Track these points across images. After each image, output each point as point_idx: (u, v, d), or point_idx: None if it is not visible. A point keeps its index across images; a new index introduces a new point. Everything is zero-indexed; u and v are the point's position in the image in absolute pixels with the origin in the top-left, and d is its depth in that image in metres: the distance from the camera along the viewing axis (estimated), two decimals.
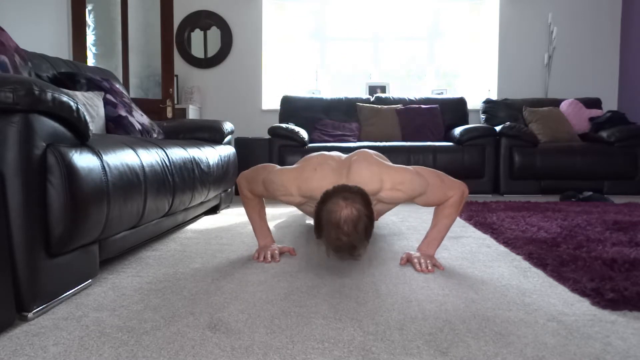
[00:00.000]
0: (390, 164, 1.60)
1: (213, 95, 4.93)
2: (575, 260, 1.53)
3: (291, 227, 2.33)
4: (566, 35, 4.84)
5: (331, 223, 1.30)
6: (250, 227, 2.33)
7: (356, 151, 1.65)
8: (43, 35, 3.85)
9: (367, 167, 1.52)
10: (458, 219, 2.57)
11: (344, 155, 1.67)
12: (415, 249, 1.70)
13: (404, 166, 1.58)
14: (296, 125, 4.13)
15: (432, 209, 2.87)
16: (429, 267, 1.50)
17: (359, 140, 4.21)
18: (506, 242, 1.88)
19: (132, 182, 1.45)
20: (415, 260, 1.55)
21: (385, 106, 4.38)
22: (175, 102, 4.51)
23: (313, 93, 4.77)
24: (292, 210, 2.94)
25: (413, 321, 1.07)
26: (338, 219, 1.30)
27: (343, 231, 1.30)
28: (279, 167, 1.66)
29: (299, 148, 3.77)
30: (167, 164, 1.80)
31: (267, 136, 4.01)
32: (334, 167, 1.56)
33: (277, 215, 2.74)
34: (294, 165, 1.64)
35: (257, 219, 1.75)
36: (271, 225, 2.35)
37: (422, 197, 1.56)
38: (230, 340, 0.97)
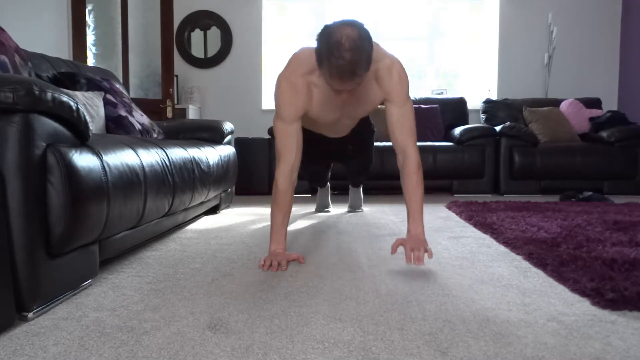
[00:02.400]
0: None
1: (213, 95, 4.93)
2: (575, 260, 1.53)
3: (291, 227, 2.33)
4: (566, 35, 4.84)
5: (333, 43, 1.30)
6: (251, 227, 2.33)
7: None
8: (43, 35, 3.85)
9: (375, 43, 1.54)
10: (458, 219, 2.57)
11: None
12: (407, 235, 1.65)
13: None
14: None
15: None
16: (420, 259, 1.49)
17: None
18: (506, 242, 1.88)
19: (132, 182, 1.45)
20: (407, 247, 1.52)
21: None
22: (175, 102, 4.50)
23: None
24: (292, 210, 2.94)
25: (413, 321, 1.07)
26: (340, 36, 1.29)
27: (345, 47, 1.28)
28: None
29: None
30: (167, 164, 1.80)
31: (267, 136, 4.01)
32: None
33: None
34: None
35: (279, 221, 1.64)
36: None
37: (397, 109, 1.61)
38: (230, 340, 0.97)
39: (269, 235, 1.72)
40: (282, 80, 1.63)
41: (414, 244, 1.55)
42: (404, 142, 1.64)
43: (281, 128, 1.64)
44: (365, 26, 1.39)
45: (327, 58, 1.34)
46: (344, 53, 1.30)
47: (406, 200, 1.65)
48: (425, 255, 1.53)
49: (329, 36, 1.33)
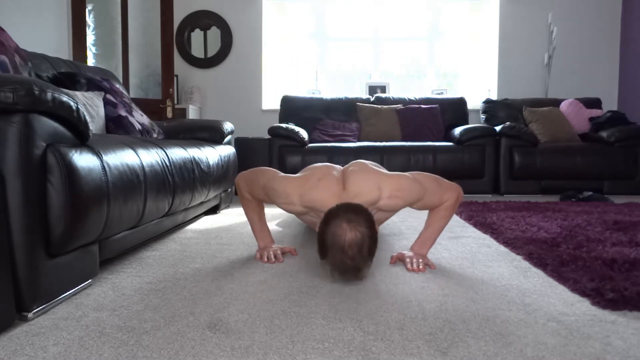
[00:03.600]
0: (387, 171, 1.60)
1: (213, 95, 4.93)
2: (575, 260, 1.53)
3: (291, 227, 2.33)
4: (566, 35, 4.84)
5: (336, 247, 1.31)
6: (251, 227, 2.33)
7: (352, 162, 1.68)
8: (43, 35, 3.85)
9: (365, 176, 1.53)
10: (458, 218, 2.57)
11: (340, 167, 1.69)
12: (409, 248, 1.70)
13: (401, 173, 1.58)
14: (296, 125, 4.13)
15: None
16: (420, 267, 1.51)
17: (359, 140, 4.21)
18: (506, 242, 1.88)
19: (132, 182, 1.45)
20: (408, 260, 1.55)
21: (385, 106, 4.38)
22: (175, 102, 4.51)
23: (313, 93, 4.78)
24: None
25: (413, 321, 1.07)
26: (343, 243, 1.30)
27: (348, 255, 1.30)
28: (280, 173, 1.65)
29: (299, 148, 3.77)
30: (167, 164, 1.80)
31: (267, 136, 4.01)
32: (336, 178, 1.56)
33: (277, 215, 2.74)
34: (296, 175, 1.64)
35: (257, 220, 1.75)
36: (271, 225, 2.35)
37: (420, 202, 1.57)
38: (230, 340, 0.97)
39: (254, 236, 1.78)
40: (285, 190, 1.56)
41: (415, 256, 1.57)
42: (435, 206, 1.62)
43: (259, 190, 1.64)
44: (367, 211, 1.37)
45: (331, 260, 1.34)
46: (347, 260, 1.31)
47: (425, 225, 1.65)
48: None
49: (332, 235, 1.32)
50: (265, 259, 1.63)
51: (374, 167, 1.62)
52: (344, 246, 1.30)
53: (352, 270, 1.33)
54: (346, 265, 1.31)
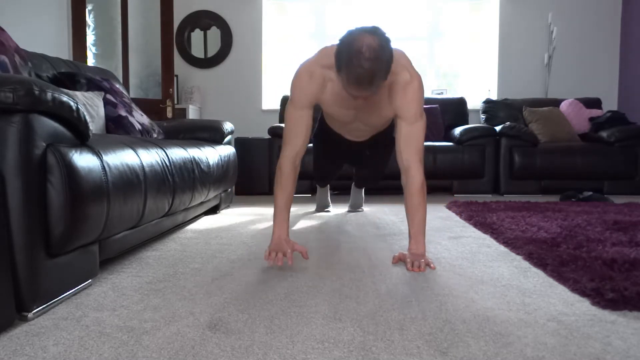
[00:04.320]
0: None
1: (213, 95, 4.93)
2: (575, 260, 1.53)
3: (291, 227, 2.33)
4: (566, 35, 4.84)
5: (353, 50, 1.31)
6: (251, 227, 2.33)
7: None
8: (43, 35, 3.84)
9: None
10: (458, 218, 2.57)
11: None
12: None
13: None
14: None
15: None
16: (421, 267, 1.50)
17: None
18: (506, 242, 1.88)
19: (132, 182, 1.45)
20: (408, 260, 1.55)
21: None
22: (175, 102, 4.50)
23: None
24: (293, 210, 2.94)
25: (413, 321, 1.07)
26: (360, 45, 1.31)
27: (365, 57, 1.30)
28: None
29: None
30: (167, 164, 1.80)
31: (267, 136, 4.01)
32: None
33: None
34: None
35: (282, 203, 1.63)
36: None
37: (406, 127, 1.60)
38: (230, 340, 0.97)
39: (272, 219, 1.69)
40: (301, 68, 1.67)
41: (415, 257, 1.56)
42: (408, 161, 1.62)
43: (291, 113, 1.68)
44: (387, 35, 1.40)
45: (346, 65, 1.35)
46: (364, 62, 1.31)
47: (408, 220, 1.64)
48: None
49: (350, 44, 1.34)
50: (272, 261, 1.52)
51: None
52: (361, 48, 1.31)
53: (367, 76, 1.33)
54: (362, 69, 1.32)
